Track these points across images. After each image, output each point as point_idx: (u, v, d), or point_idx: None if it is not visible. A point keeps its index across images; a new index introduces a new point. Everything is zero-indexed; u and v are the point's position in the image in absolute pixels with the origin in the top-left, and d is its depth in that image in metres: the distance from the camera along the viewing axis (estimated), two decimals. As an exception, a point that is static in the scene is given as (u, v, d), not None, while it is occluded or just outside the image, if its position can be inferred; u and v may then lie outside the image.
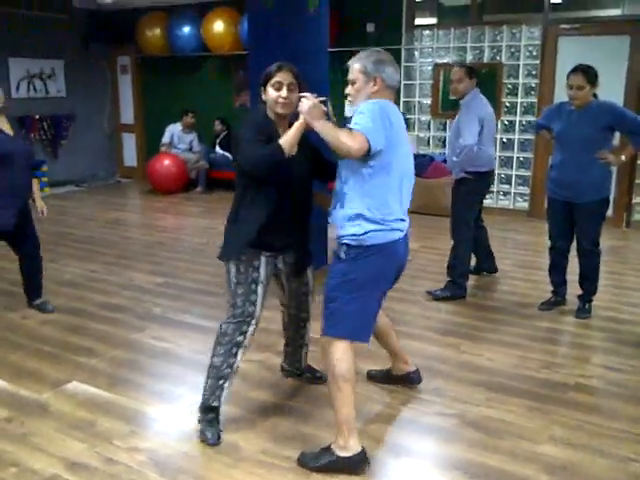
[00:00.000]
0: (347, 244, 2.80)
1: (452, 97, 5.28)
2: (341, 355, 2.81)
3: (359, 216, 2.76)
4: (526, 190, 8.01)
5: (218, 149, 9.68)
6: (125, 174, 11.17)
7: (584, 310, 4.60)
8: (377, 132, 2.65)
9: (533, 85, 7.72)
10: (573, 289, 4.73)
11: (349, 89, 2.90)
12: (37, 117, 9.71)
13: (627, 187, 7.32)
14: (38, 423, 3.20)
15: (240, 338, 3.04)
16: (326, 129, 2.71)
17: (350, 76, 2.88)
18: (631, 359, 3.94)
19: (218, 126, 9.63)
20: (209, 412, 3.07)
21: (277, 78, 2.95)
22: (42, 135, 9.88)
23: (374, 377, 3.67)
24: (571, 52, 7.14)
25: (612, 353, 4.02)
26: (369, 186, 2.75)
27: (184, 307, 4.82)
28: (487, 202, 5.97)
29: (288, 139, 2.84)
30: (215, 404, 3.06)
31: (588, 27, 7.31)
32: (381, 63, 2.83)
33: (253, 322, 3.05)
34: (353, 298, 2.79)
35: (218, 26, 9.05)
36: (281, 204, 2.99)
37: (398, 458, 2.95)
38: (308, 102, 2.78)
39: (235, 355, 3.05)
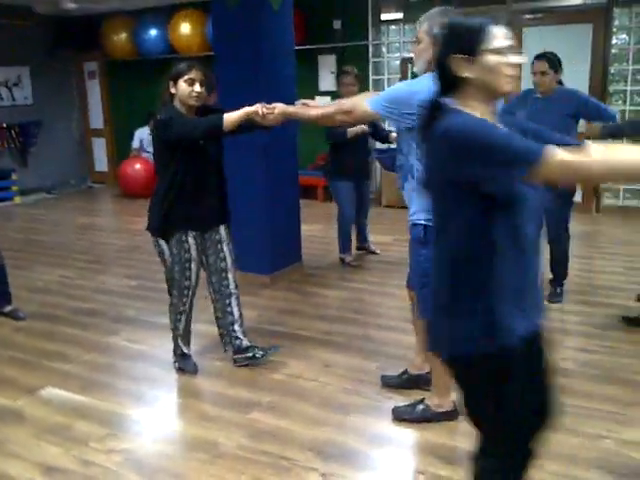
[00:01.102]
0: (425, 225, 2.82)
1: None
2: None
3: None
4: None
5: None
6: (97, 179, 11.06)
7: (556, 294, 4.66)
8: (379, 101, 2.72)
9: (499, 76, 7.76)
10: (545, 274, 4.78)
11: (414, 47, 2.81)
12: (4, 125, 9.59)
13: (596, 173, 7.39)
14: (13, 429, 3.17)
15: (183, 307, 3.59)
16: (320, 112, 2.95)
17: (417, 35, 2.78)
18: (602, 341, 3.99)
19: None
20: (180, 355, 3.72)
21: (190, 75, 3.26)
22: (10, 144, 9.74)
23: (389, 383, 3.50)
24: (535, 42, 7.19)
25: (584, 336, 4.08)
26: None
27: (158, 309, 4.76)
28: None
29: (232, 118, 3.14)
30: (182, 351, 3.72)
31: (551, 16, 7.39)
32: None
33: (190, 293, 3.56)
34: None
35: (185, 28, 8.98)
36: (199, 183, 3.35)
37: (380, 448, 2.96)
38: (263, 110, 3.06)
39: (180, 320, 3.63)
